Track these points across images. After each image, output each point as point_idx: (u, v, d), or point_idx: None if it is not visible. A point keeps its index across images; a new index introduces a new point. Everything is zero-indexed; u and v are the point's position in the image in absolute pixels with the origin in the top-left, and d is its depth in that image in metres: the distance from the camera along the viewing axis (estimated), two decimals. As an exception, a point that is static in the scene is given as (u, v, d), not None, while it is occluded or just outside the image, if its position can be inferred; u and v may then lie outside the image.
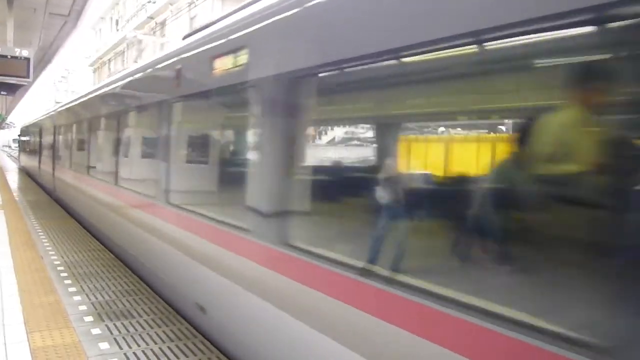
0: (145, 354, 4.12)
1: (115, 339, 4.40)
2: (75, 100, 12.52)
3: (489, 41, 2.18)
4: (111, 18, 43.93)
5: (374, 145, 3.29)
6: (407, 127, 3.09)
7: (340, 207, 3.25)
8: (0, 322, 4.64)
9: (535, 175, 2.21)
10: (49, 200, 14.50)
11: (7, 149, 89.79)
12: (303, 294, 3.05)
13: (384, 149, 3.10)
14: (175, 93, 5.38)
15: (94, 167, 9.54)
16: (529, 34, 1.98)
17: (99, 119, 9.54)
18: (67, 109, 13.68)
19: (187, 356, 4.09)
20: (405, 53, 2.54)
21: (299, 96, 3.25)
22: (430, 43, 2.33)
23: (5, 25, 12.09)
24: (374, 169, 3.08)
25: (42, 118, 20.49)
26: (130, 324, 4.77)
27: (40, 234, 9.10)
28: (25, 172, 26.71)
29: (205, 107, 5.13)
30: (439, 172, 2.81)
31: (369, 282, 2.61)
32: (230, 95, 4.43)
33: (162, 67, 5.92)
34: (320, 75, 3.15)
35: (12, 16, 11.84)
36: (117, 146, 7.85)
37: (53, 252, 7.64)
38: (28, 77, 10.62)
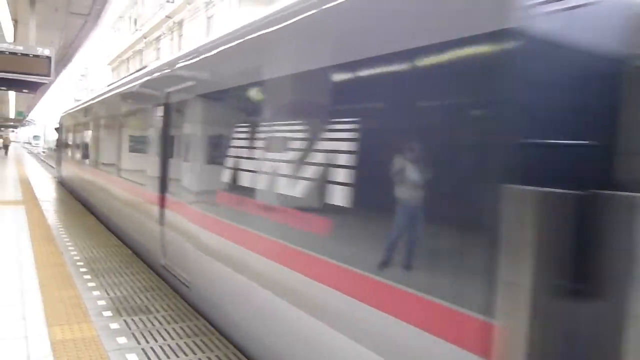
0: (162, 349, 4.18)
1: (133, 333, 4.47)
2: None
3: None
4: (130, 17, 44.44)
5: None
6: None
7: None
8: (21, 315, 4.74)
9: None
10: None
11: (27, 145, 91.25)
12: None
13: None
14: None
15: None
16: None
17: None
18: None
19: (203, 352, 4.14)
20: None
21: None
22: None
23: (27, 24, 12.35)
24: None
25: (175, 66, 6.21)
26: (148, 319, 4.84)
27: (60, 229, 9.25)
28: (75, 198, 14.23)
29: None
30: None
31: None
32: None
33: None
34: None
35: (34, 16, 12.07)
36: None
37: (73, 248, 7.77)
38: (49, 75, 10.83)
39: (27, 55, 10.55)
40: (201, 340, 4.38)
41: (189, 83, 5.44)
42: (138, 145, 7.74)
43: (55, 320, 4.67)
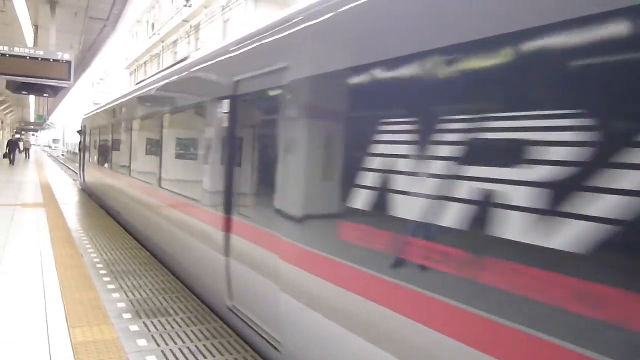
0: (181, 351, 4.19)
1: (152, 336, 4.49)
2: None
3: None
4: (147, 21, 44.93)
5: None
6: None
7: None
8: (43, 317, 4.80)
9: None
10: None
11: (47, 148, 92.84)
12: None
13: None
14: None
15: None
16: None
17: None
18: None
19: (222, 354, 4.14)
20: None
21: None
22: None
23: (47, 29, 12.56)
24: None
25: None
26: (167, 321, 4.86)
27: (79, 231, 9.36)
28: (107, 211, 12.14)
29: None
30: None
31: None
32: None
33: None
34: None
35: (54, 21, 12.26)
36: None
37: (92, 250, 7.85)
38: (69, 79, 11.02)
39: (47, 59, 10.74)
40: (219, 342, 4.39)
41: (282, 64, 3.72)
42: (189, 150, 6.17)
43: (75, 322, 4.71)
